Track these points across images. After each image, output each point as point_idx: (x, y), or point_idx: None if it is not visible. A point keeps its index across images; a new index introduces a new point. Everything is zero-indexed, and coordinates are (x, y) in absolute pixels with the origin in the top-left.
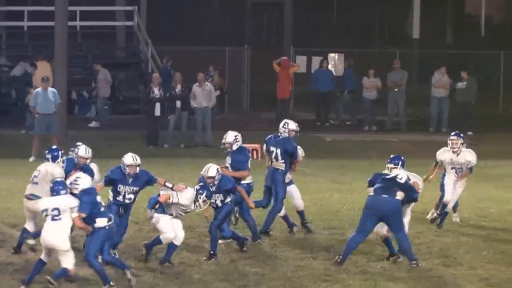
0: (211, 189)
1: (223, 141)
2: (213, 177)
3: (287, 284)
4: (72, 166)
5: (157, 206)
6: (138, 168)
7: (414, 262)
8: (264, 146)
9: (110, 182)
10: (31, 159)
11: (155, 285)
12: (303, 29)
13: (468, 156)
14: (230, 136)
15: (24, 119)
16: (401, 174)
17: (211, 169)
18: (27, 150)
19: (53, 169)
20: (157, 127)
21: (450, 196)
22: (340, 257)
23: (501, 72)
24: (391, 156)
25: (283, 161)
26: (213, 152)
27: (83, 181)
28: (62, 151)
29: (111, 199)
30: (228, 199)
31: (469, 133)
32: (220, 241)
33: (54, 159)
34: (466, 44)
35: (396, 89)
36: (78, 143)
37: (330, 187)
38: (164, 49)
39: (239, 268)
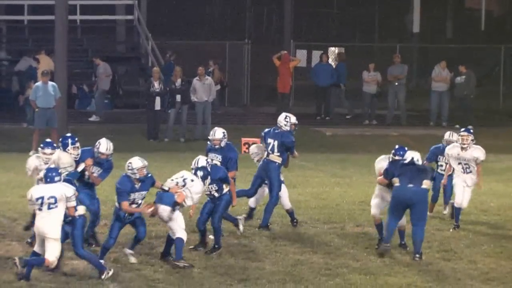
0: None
1: (210, 137)
2: (205, 167)
3: (287, 278)
4: (86, 157)
5: (177, 206)
6: (145, 170)
7: (418, 256)
8: (262, 138)
9: (125, 195)
10: (31, 153)
11: (155, 279)
12: (303, 23)
13: (476, 152)
14: (219, 132)
15: (25, 113)
16: (416, 155)
17: (201, 160)
18: (27, 144)
19: (60, 157)
20: (157, 121)
21: (461, 199)
22: (387, 245)
23: (502, 66)
24: (396, 147)
25: (278, 154)
26: None
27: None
28: (76, 139)
29: (117, 205)
30: (226, 189)
31: (469, 127)
32: (210, 236)
33: (64, 147)
34: (467, 38)
35: (396, 83)
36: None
37: (330, 181)
38: (164, 43)
39: (239, 262)
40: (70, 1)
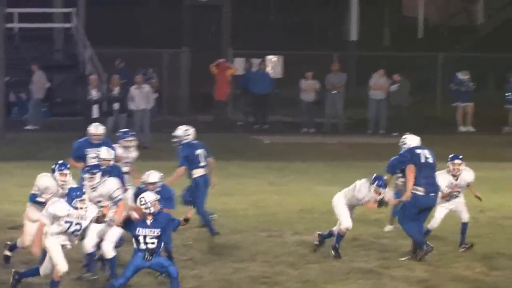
0: None
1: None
2: (155, 183)
3: (226, 286)
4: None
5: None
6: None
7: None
8: (185, 153)
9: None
10: None
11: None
12: (241, 31)
13: (468, 176)
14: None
15: None
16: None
17: (152, 175)
18: None
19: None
20: None
21: (438, 224)
22: (421, 253)
23: (440, 73)
24: (374, 175)
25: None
26: (151, 154)
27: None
28: (64, 166)
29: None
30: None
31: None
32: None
33: (52, 172)
34: (404, 46)
35: (334, 91)
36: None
37: (268, 189)
38: (103, 51)
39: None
40: (7, 9)
